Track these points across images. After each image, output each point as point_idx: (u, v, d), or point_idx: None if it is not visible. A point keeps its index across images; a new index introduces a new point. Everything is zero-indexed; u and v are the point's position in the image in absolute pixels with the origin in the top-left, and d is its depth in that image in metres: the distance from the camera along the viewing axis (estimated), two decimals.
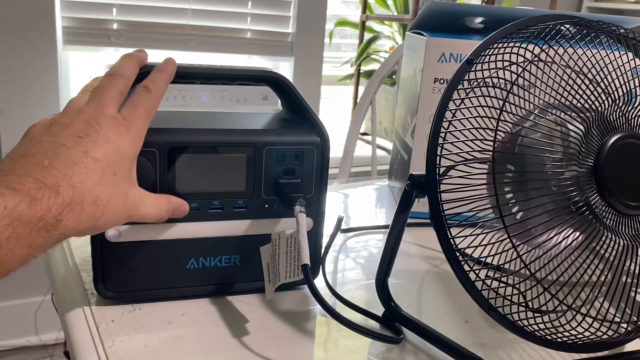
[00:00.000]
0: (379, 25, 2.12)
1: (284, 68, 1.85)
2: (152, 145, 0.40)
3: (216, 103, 1.53)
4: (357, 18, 2.02)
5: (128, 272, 0.43)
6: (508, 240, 0.34)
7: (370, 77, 1.26)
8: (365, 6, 1.91)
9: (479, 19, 0.64)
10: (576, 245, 0.36)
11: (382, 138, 2.00)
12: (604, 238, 0.35)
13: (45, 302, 1.62)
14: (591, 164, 0.36)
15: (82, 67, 1.67)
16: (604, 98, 0.38)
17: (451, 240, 0.36)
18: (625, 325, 0.38)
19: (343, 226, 0.64)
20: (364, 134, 1.98)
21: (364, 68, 2.00)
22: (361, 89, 1.88)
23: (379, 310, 0.44)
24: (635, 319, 0.38)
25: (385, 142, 1.98)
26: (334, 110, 2.28)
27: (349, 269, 0.54)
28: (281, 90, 0.46)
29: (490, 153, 0.35)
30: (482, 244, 0.35)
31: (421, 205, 0.57)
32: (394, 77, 1.85)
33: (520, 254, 0.35)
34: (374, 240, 0.61)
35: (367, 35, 1.96)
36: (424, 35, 0.61)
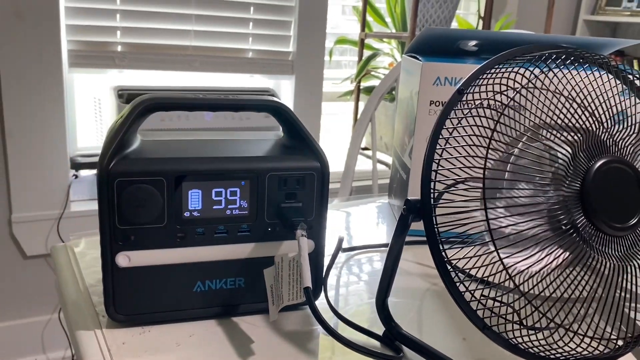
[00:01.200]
0: (377, 42, 2.16)
1: (285, 86, 1.88)
2: (160, 174, 0.42)
3: (219, 122, 1.56)
4: (356, 36, 2.05)
5: (138, 296, 0.45)
6: (500, 262, 0.36)
7: (370, 93, 1.29)
8: (364, 24, 1.94)
9: (473, 42, 0.66)
10: (565, 265, 0.37)
11: (382, 152, 2.02)
12: (590, 259, 0.37)
13: (52, 321, 1.63)
14: (578, 187, 0.37)
15: (87, 88, 1.70)
16: (591, 122, 0.40)
17: (447, 263, 0.38)
18: (615, 340, 0.40)
19: (345, 245, 0.65)
20: (365, 148, 2.00)
21: (364, 84, 2.03)
22: (361, 105, 1.91)
23: (380, 328, 0.46)
24: (629, 334, 0.40)
25: (386, 157, 2.00)
26: (335, 125, 2.31)
27: (351, 288, 0.56)
28: (282, 117, 0.48)
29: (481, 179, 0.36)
30: (476, 265, 0.37)
31: (420, 223, 0.59)
32: (393, 92, 1.87)
33: (512, 273, 0.36)
34: (375, 258, 0.63)
35: (367, 53, 1.99)
36: (419, 60, 0.63)
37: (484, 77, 0.40)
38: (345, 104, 2.21)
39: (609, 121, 0.41)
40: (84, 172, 1.65)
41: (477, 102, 0.39)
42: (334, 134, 2.26)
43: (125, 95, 1.47)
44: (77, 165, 1.62)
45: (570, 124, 0.39)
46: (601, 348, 0.39)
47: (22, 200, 1.53)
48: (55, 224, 1.58)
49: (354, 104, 2.00)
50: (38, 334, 1.63)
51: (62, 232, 1.57)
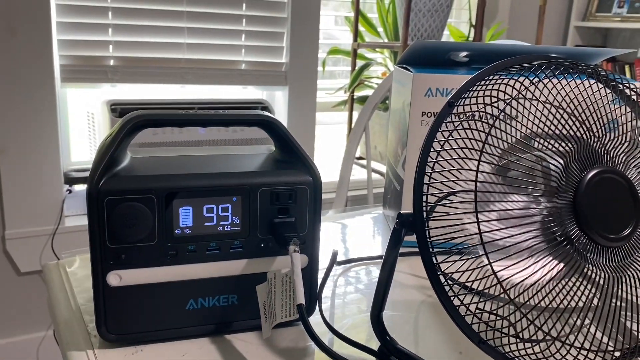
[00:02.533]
0: (370, 52, 2.16)
1: (279, 97, 1.89)
2: (150, 192, 0.42)
3: (212, 134, 1.56)
4: (349, 46, 2.06)
5: (129, 315, 0.44)
6: (494, 275, 0.36)
7: (364, 103, 1.29)
8: (356, 34, 1.95)
9: (464, 53, 0.66)
10: (560, 277, 0.37)
11: (377, 162, 2.03)
12: (585, 269, 0.37)
13: (47, 338, 1.62)
14: (571, 198, 0.37)
15: (80, 103, 1.70)
16: (583, 131, 0.40)
17: (440, 276, 0.38)
18: (612, 352, 0.39)
19: (340, 257, 0.65)
20: (360, 158, 2.00)
21: (358, 94, 2.04)
22: (355, 115, 1.91)
23: (376, 342, 0.45)
24: (626, 344, 0.40)
25: (381, 166, 2.00)
26: (329, 136, 2.31)
27: (347, 301, 0.55)
28: (273, 132, 0.48)
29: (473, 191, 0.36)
30: (470, 279, 0.37)
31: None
32: (387, 102, 1.88)
33: (507, 287, 0.36)
34: (371, 270, 0.63)
35: (360, 63, 2.00)
36: (411, 71, 0.63)
37: (475, 89, 0.40)
38: (339, 114, 2.21)
39: (600, 130, 0.41)
40: (77, 187, 1.65)
41: (468, 114, 0.39)
42: (328, 144, 2.26)
43: (118, 109, 1.47)
44: (70, 180, 1.62)
45: (561, 134, 0.39)
46: (598, 359, 0.39)
47: (15, 216, 1.52)
48: (50, 239, 1.56)
49: (347, 114, 2.01)
50: (33, 351, 1.61)
51: (57, 248, 1.56)
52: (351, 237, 0.74)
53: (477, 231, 0.36)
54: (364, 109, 1.29)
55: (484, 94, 0.40)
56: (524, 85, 0.39)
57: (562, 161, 0.38)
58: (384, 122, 1.95)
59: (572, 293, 0.37)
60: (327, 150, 2.21)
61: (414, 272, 0.62)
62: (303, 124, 1.86)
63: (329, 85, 2.19)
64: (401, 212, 0.40)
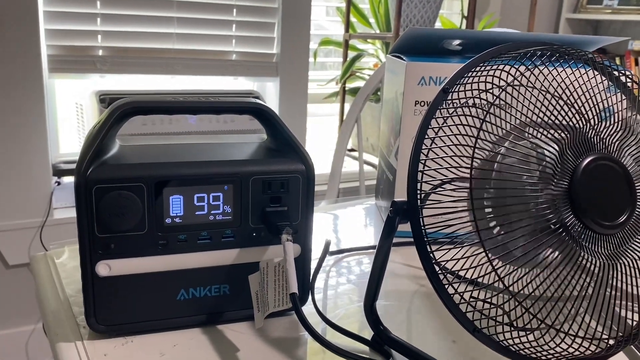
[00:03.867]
0: (362, 43, 2.15)
1: (270, 88, 1.87)
2: (139, 180, 0.41)
3: (203, 125, 1.54)
4: (340, 37, 2.04)
5: (119, 305, 0.43)
6: (489, 262, 0.35)
7: (356, 94, 1.28)
8: (348, 25, 1.94)
9: (457, 41, 0.66)
10: (555, 265, 0.37)
11: (369, 154, 2.02)
12: (580, 258, 0.36)
13: (36, 331, 1.60)
14: (566, 185, 0.37)
15: (68, 93, 1.68)
16: (577, 119, 0.40)
17: (434, 264, 0.37)
18: (607, 340, 0.39)
19: (333, 248, 0.64)
20: (352, 150, 2.00)
21: (349, 86, 2.03)
22: (347, 106, 1.90)
23: (369, 332, 0.45)
24: (620, 333, 0.39)
25: (373, 158, 2.00)
26: (321, 127, 2.30)
27: (340, 291, 0.55)
28: (265, 120, 0.47)
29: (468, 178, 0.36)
30: (464, 267, 0.37)
31: (409, 224, 0.59)
32: (379, 93, 1.87)
33: (502, 276, 0.36)
34: (364, 260, 0.62)
35: (351, 54, 1.99)
36: (404, 60, 0.62)
37: (469, 75, 0.39)
38: (331, 105, 2.20)
39: (595, 118, 0.40)
40: (66, 179, 1.63)
41: (463, 101, 0.39)
42: (320, 136, 2.26)
43: (107, 99, 1.45)
44: (59, 172, 1.60)
45: (557, 122, 0.39)
46: (593, 348, 0.39)
47: (3, 209, 1.50)
48: (38, 232, 1.55)
49: (339, 106, 2.00)
50: (22, 344, 1.60)
51: (45, 240, 1.55)
52: (343, 228, 0.73)
53: (472, 219, 0.35)
54: (356, 100, 1.28)
55: (479, 80, 0.39)
56: (519, 71, 0.38)
57: (557, 148, 0.38)
58: (376, 113, 1.95)
59: (566, 281, 0.37)
60: (319, 142, 2.21)
61: (407, 261, 0.62)
62: (294, 116, 1.85)
63: (320, 77, 2.18)
64: (395, 200, 0.39)
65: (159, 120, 1.49)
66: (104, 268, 0.42)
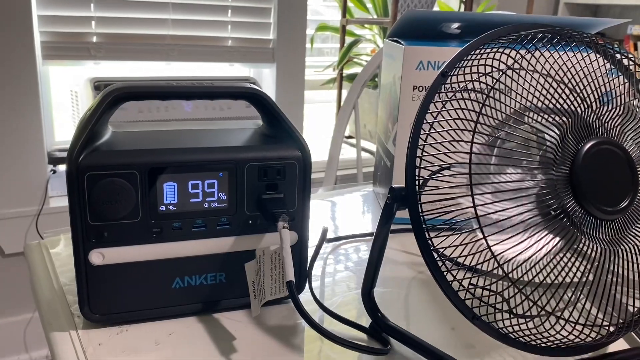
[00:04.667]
0: (359, 29, 2.13)
1: (267, 75, 1.86)
2: (132, 167, 0.40)
3: (199, 112, 1.53)
4: (337, 22, 2.02)
5: (113, 294, 0.43)
6: (489, 249, 0.35)
7: (353, 80, 1.27)
8: (345, 10, 1.92)
9: (456, 25, 0.64)
10: (555, 251, 0.36)
11: (366, 140, 2.01)
12: (581, 244, 0.36)
13: (34, 319, 1.60)
14: (567, 170, 0.36)
15: (63, 81, 1.66)
16: (579, 103, 0.39)
17: (433, 251, 0.37)
18: (607, 327, 0.39)
19: (330, 235, 0.64)
20: (349, 137, 1.99)
21: (347, 72, 2.01)
22: (344, 93, 1.89)
23: (367, 319, 0.44)
24: (620, 320, 0.39)
25: (370, 145, 1.99)
26: (318, 114, 2.29)
27: (337, 279, 0.54)
28: (260, 105, 0.46)
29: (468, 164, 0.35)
30: (463, 254, 0.36)
31: (406, 211, 0.58)
32: (376, 79, 1.86)
33: (501, 262, 0.35)
34: (361, 247, 0.62)
35: (348, 39, 1.97)
36: (401, 44, 0.61)
37: (469, 58, 0.39)
38: (328, 92, 2.19)
39: (596, 102, 0.40)
40: (62, 167, 1.62)
41: (462, 85, 0.38)
42: (317, 123, 2.24)
43: (102, 87, 1.43)
44: (54, 160, 1.59)
45: (557, 106, 0.38)
46: (593, 335, 0.38)
47: None
48: (34, 220, 1.54)
49: (337, 92, 1.98)
50: (20, 333, 1.60)
51: (42, 229, 1.54)
52: (341, 215, 0.73)
53: (471, 205, 0.35)
54: (353, 86, 1.27)
55: (478, 63, 0.38)
56: (520, 54, 0.37)
57: (558, 132, 0.37)
58: (373, 100, 1.94)
59: (567, 268, 0.37)
60: (316, 129, 2.19)
61: (405, 248, 0.61)
62: (291, 103, 1.84)
63: (317, 63, 2.16)
64: (393, 186, 0.39)
65: (155, 107, 1.48)
66: (97, 256, 0.41)
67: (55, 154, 1.59)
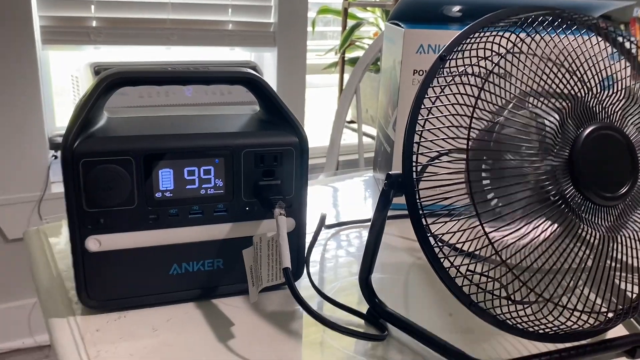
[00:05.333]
0: (361, 12, 2.11)
1: (268, 59, 1.84)
2: (127, 153, 0.40)
3: (199, 97, 1.52)
4: (339, 5, 2.00)
5: (111, 281, 0.43)
6: (486, 236, 0.35)
7: (355, 64, 1.26)
8: None
9: (457, 8, 0.63)
10: (554, 238, 0.36)
11: (368, 125, 2.00)
12: (580, 230, 0.36)
13: (38, 304, 1.61)
14: (566, 156, 0.36)
15: (63, 66, 1.65)
16: (579, 87, 0.38)
17: (430, 238, 0.36)
18: (605, 313, 0.39)
19: (331, 220, 0.64)
20: (351, 121, 1.98)
21: (349, 55, 2.00)
22: (346, 77, 1.88)
23: (365, 306, 0.44)
24: (619, 306, 0.39)
25: (372, 130, 1.98)
26: (319, 98, 2.27)
27: (335, 265, 0.54)
28: (256, 90, 0.46)
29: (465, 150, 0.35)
30: (461, 240, 0.36)
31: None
32: (378, 63, 1.84)
33: (499, 249, 0.35)
34: (360, 233, 0.61)
35: (350, 22, 1.95)
36: (402, 27, 0.60)
37: (468, 42, 0.38)
38: (330, 76, 2.17)
39: (597, 86, 0.39)
40: None
41: (461, 69, 0.37)
42: (318, 107, 2.23)
43: (102, 72, 1.42)
44: (56, 146, 1.58)
45: (557, 91, 0.37)
46: (591, 321, 0.38)
47: (1, 183, 1.50)
48: (36, 206, 1.54)
49: (338, 76, 1.97)
50: (24, 317, 1.61)
51: (44, 214, 1.54)
52: (341, 201, 0.72)
53: (469, 191, 0.34)
54: (355, 70, 1.26)
55: (477, 47, 0.38)
56: (519, 38, 0.36)
57: (557, 117, 0.37)
58: (375, 84, 1.92)
59: (565, 254, 0.36)
60: (318, 114, 2.18)
61: (404, 234, 0.61)
62: (293, 87, 1.82)
63: (319, 47, 2.15)
64: (390, 172, 0.38)
65: (155, 92, 1.47)
66: (94, 243, 0.41)
67: (56, 139, 1.59)
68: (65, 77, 1.65)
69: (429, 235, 0.37)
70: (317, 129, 2.04)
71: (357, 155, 1.34)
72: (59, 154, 1.60)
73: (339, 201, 0.72)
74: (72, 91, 1.64)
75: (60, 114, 1.67)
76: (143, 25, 1.58)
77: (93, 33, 1.53)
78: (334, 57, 2.07)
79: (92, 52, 1.60)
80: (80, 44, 1.53)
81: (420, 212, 0.37)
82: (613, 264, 0.38)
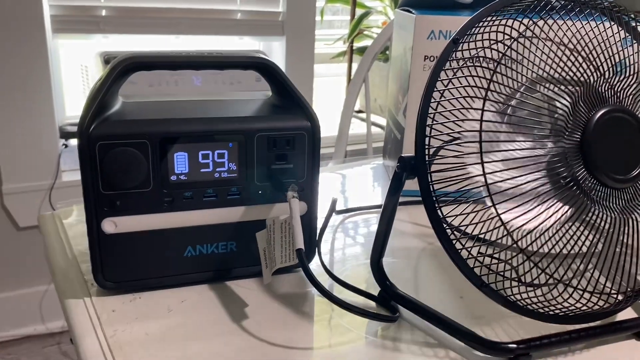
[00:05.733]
0: (370, 0, 2.10)
1: (276, 48, 1.84)
2: (143, 136, 0.41)
3: (209, 87, 1.53)
4: None
5: (126, 262, 0.43)
6: (498, 217, 0.35)
7: (364, 53, 1.26)
8: None
9: None
10: (565, 220, 0.36)
11: (377, 115, 2.00)
12: (591, 213, 0.36)
13: (49, 291, 1.63)
14: (578, 138, 0.36)
15: (73, 55, 1.66)
16: (592, 71, 0.38)
17: (442, 220, 0.37)
18: (615, 295, 0.39)
19: (340, 207, 0.64)
20: (359, 111, 1.98)
21: (357, 45, 1.99)
22: (355, 66, 1.87)
23: (376, 289, 0.45)
24: (629, 289, 0.39)
25: (381, 119, 1.98)
26: (328, 88, 2.27)
27: (346, 249, 0.55)
28: (269, 76, 0.46)
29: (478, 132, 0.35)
30: (472, 222, 0.36)
31: (415, 183, 0.58)
32: (387, 52, 1.84)
33: (510, 230, 0.35)
34: (370, 220, 0.62)
35: (359, 11, 1.94)
36: (413, 13, 0.60)
37: (480, 25, 0.38)
38: (338, 65, 2.17)
39: (610, 70, 0.39)
40: (73, 141, 1.63)
41: (473, 52, 0.37)
42: (327, 97, 2.23)
43: (111, 61, 1.43)
44: (66, 135, 1.60)
45: (569, 75, 0.38)
46: (601, 303, 0.38)
47: (12, 171, 1.51)
48: (47, 194, 1.56)
49: (347, 65, 1.97)
50: (36, 304, 1.63)
51: (55, 203, 1.56)
52: (351, 187, 0.73)
53: (481, 173, 0.34)
54: (364, 59, 1.25)
55: (490, 30, 0.38)
56: (532, 21, 0.37)
57: (569, 100, 0.37)
58: (384, 73, 1.92)
59: (576, 237, 0.37)
60: (326, 103, 2.18)
61: (415, 220, 0.62)
62: (301, 76, 1.82)
63: (327, 36, 2.14)
64: (403, 155, 0.39)
65: (164, 81, 1.47)
66: (110, 225, 0.42)
67: (66, 128, 1.60)
68: (74, 67, 1.66)
69: (441, 217, 0.37)
70: (325, 118, 2.04)
71: (365, 144, 1.34)
72: (69, 142, 1.61)
73: (348, 188, 0.73)
74: (82, 80, 1.65)
75: (69, 104, 1.68)
76: (152, 15, 1.58)
77: (102, 22, 1.53)
78: (343, 46, 2.06)
79: (101, 41, 1.60)
80: (90, 32, 1.54)
81: (433, 194, 0.37)
82: (623, 248, 0.39)
